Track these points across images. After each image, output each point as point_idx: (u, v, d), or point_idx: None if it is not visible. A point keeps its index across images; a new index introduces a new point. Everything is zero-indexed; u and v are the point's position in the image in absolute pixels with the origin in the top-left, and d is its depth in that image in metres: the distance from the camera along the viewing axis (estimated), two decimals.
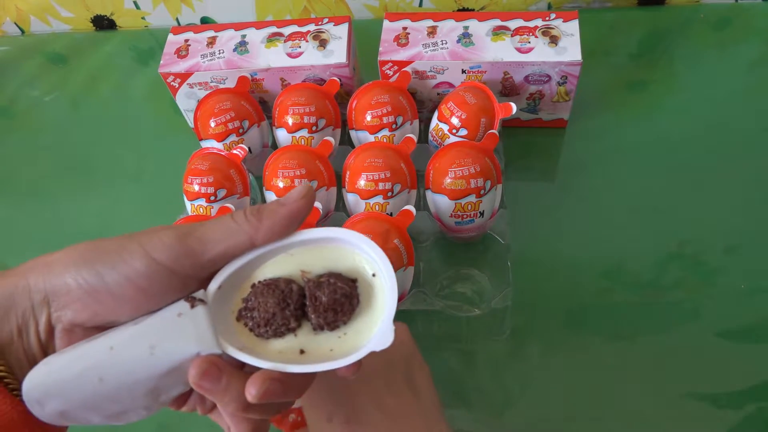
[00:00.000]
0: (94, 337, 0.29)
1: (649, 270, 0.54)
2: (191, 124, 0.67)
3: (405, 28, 0.60)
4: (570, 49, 0.56)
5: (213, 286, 0.30)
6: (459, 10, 0.74)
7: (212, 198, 0.53)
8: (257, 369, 0.29)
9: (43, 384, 0.28)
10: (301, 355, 0.30)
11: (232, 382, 0.28)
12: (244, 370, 0.30)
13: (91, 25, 0.81)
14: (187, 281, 0.29)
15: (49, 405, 0.28)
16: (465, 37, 0.58)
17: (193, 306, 0.29)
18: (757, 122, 0.61)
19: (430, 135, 0.58)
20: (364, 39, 0.65)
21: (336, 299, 0.29)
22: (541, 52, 0.56)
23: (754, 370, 0.48)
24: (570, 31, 0.57)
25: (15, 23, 0.82)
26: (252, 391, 0.28)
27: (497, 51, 0.57)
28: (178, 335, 0.28)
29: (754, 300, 0.51)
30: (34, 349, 0.29)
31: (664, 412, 0.47)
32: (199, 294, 0.29)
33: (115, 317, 0.29)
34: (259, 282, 0.30)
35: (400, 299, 0.49)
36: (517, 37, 0.57)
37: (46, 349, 0.29)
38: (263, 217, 0.29)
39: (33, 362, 0.29)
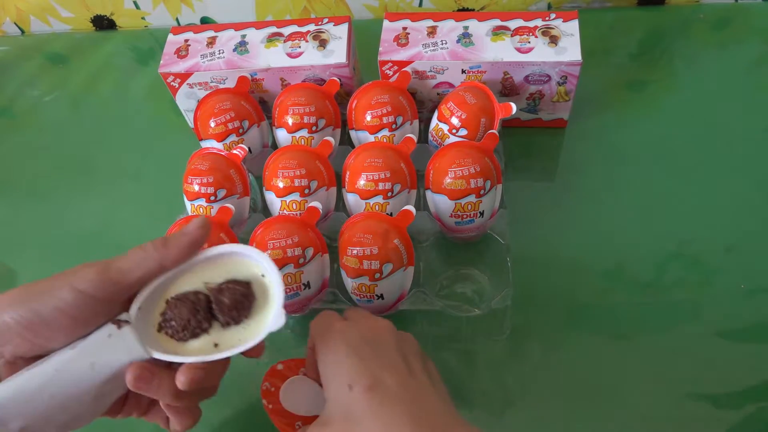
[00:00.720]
0: (36, 363, 0.34)
1: (649, 270, 0.54)
2: (191, 124, 0.67)
3: (405, 28, 0.60)
4: (570, 49, 0.56)
5: (134, 308, 0.36)
6: (459, 10, 0.74)
7: (212, 198, 0.53)
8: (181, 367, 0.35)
9: (3, 407, 0.33)
10: (216, 347, 0.36)
11: (162, 378, 0.35)
12: (172, 368, 0.36)
13: (91, 25, 0.81)
14: (110, 306, 0.35)
15: (12, 423, 0.33)
16: (465, 37, 0.58)
17: (119, 327, 0.35)
18: (757, 122, 0.61)
19: (430, 135, 0.58)
20: (364, 39, 0.65)
21: (236, 299, 0.36)
22: (541, 52, 0.56)
23: (754, 370, 0.48)
24: (570, 31, 0.57)
25: (15, 23, 0.82)
26: (182, 379, 0.35)
27: (497, 51, 0.57)
28: (112, 351, 0.35)
29: (754, 300, 0.51)
30: None
31: (664, 412, 0.47)
32: (123, 316, 0.36)
33: (51, 345, 0.35)
34: (172, 297, 0.37)
35: (399, 299, 0.49)
36: (517, 37, 0.57)
37: None
38: (169, 246, 0.36)
39: None
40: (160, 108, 0.72)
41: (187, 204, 0.55)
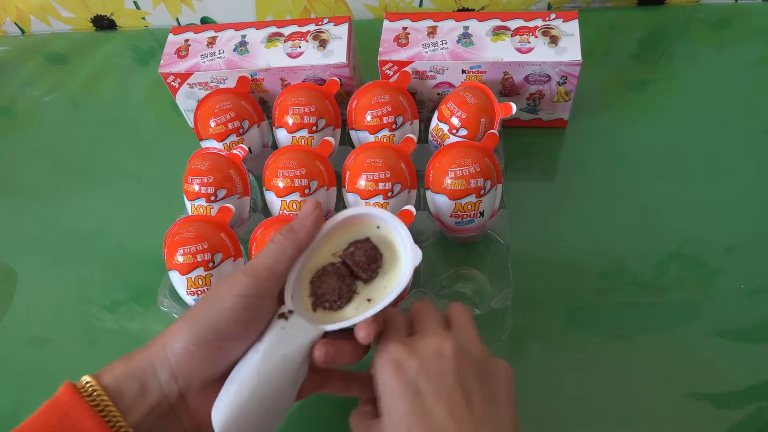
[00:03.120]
0: (231, 378, 0.37)
1: (649, 270, 0.54)
2: (191, 124, 0.67)
3: (405, 28, 0.60)
4: (570, 49, 0.56)
5: (287, 297, 0.39)
6: (459, 10, 0.74)
7: (212, 198, 0.53)
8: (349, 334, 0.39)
9: (231, 419, 0.36)
10: (370, 302, 0.39)
11: (343, 346, 0.38)
12: (345, 337, 0.39)
13: (91, 25, 0.81)
14: (269, 303, 0.38)
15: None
16: (465, 37, 0.58)
17: (287, 318, 0.38)
18: (757, 122, 0.61)
19: (430, 135, 0.58)
20: (364, 39, 0.65)
21: (368, 254, 0.40)
22: (541, 52, 0.56)
23: (754, 370, 0.48)
24: (570, 31, 0.57)
25: (15, 23, 0.82)
26: (361, 334, 0.37)
27: (497, 51, 0.57)
28: (292, 340, 0.37)
29: (754, 300, 0.51)
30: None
31: (664, 412, 0.47)
32: (284, 308, 0.38)
33: (233, 356, 0.37)
34: (314, 276, 0.40)
35: (400, 299, 0.49)
36: (517, 37, 0.57)
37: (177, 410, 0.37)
38: (297, 230, 0.40)
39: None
40: (160, 108, 0.72)
41: (187, 204, 0.55)
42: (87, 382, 0.36)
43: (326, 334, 0.39)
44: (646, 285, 0.53)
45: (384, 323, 0.39)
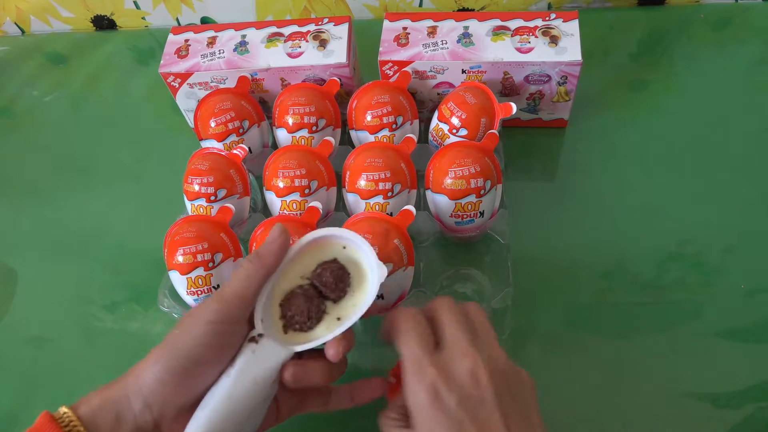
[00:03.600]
0: (204, 403, 0.38)
1: (649, 270, 0.54)
2: (191, 124, 0.67)
3: (405, 28, 0.60)
4: (570, 49, 0.56)
5: (257, 321, 0.39)
6: (459, 10, 0.74)
7: (212, 198, 0.53)
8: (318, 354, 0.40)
9: None
10: (339, 320, 0.40)
11: (312, 367, 0.39)
12: (315, 357, 0.40)
13: (91, 25, 0.81)
14: (238, 327, 0.39)
15: None
16: (465, 37, 0.58)
17: (257, 342, 0.39)
18: (757, 122, 0.61)
19: (430, 135, 0.58)
20: (364, 39, 0.65)
21: (335, 274, 0.40)
22: (541, 52, 0.56)
23: (754, 370, 0.48)
24: (570, 31, 0.57)
25: (15, 23, 0.82)
26: (331, 352, 0.39)
27: (497, 51, 0.57)
28: (263, 362, 0.38)
29: (754, 300, 0.51)
30: None
31: (664, 412, 0.47)
32: (254, 332, 0.39)
33: (206, 382, 0.38)
34: (283, 299, 0.41)
35: (400, 299, 0.49)
36: (517, 37, 0.57)
37: None
38: (263, 256, 0.40)
39: None
40: (160, 108, 0.72)
41: (188, 204, 0.55)
42: (64, 413, 0.37)
43: (298, 355, 0.39)
44: (646, 285, 0.53)
45: (400, 321, 0.39)
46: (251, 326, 0.40)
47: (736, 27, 0.69)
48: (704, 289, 0.52)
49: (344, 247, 0.42)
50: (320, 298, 0.41)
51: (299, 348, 0.39)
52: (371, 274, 0.41)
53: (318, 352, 0.40)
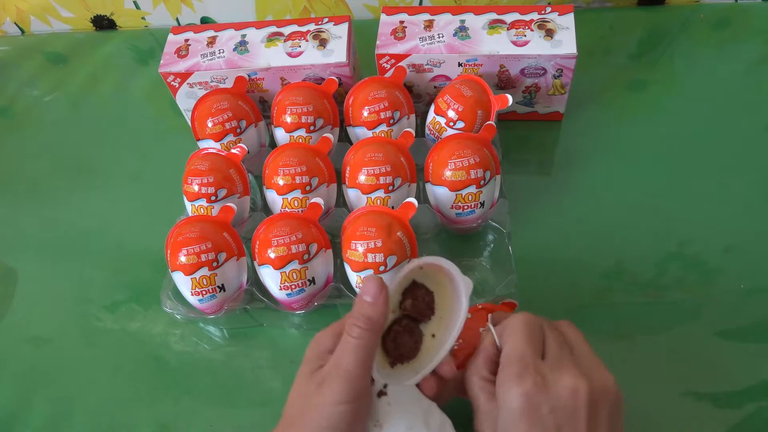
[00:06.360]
0: None
1: (649, 270, 0.54)
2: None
3: (402, 22, 0.60)
4: (565, 42, 0.56)
5: (376, 376, 0.39)
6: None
7: (213, 198, 0.53)
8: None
9: None
10: (434, 337, 0.41)
11: (437, 383, 0.41)
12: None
13: (91, 25, 0.81)
14: (367, 390, 0.38)
15: None
16: (461, 31, 0.58)
17: (386, 394, 0.40)
18: (757, 122, 0.61)
19: (427, 128, 0.58)
20: (363, 38, 0.65)
21: (423, 299, 0.41)
22: (537, 45, 0.56)
23: (754, 370, 0.48)
24: (565, 24, 0.57)
25: (15, 23, 0.82)
26: (446, 369, 0.40)
27: (493, 44, 0.57)
28: (404, 408, 0.40)
29: (754, 300, 0.51)
30: None
31: (664, 412, 0.47)
32: (378, 387, 0.40)
33: None
34: (387, 339, 0.41)
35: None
36: (513, 31, 0.57)
37: None
38: (374, 318, 0.38)
39: None
40: (160, 108, 0.72)
41: (188, 204, 0.55)
42: None
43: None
44: (646, 285, 0.53)
45: (522, 317, 0.39)
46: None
47: (735, 27, 0.69)
48: (704, 289, 0.52)
49: (421, 268, 0.41)
50: (415, 323, 0.41)
51: (418, 378, 0.40)
52: (449, 285, 0.41)
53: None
